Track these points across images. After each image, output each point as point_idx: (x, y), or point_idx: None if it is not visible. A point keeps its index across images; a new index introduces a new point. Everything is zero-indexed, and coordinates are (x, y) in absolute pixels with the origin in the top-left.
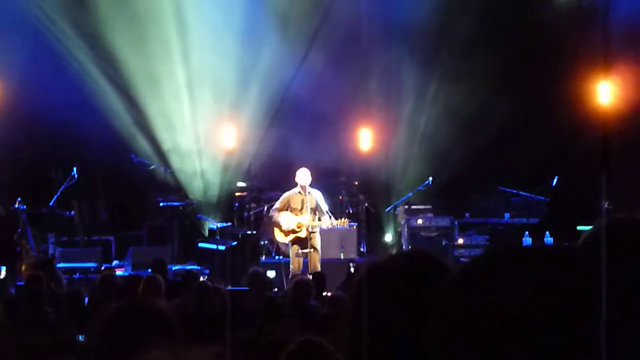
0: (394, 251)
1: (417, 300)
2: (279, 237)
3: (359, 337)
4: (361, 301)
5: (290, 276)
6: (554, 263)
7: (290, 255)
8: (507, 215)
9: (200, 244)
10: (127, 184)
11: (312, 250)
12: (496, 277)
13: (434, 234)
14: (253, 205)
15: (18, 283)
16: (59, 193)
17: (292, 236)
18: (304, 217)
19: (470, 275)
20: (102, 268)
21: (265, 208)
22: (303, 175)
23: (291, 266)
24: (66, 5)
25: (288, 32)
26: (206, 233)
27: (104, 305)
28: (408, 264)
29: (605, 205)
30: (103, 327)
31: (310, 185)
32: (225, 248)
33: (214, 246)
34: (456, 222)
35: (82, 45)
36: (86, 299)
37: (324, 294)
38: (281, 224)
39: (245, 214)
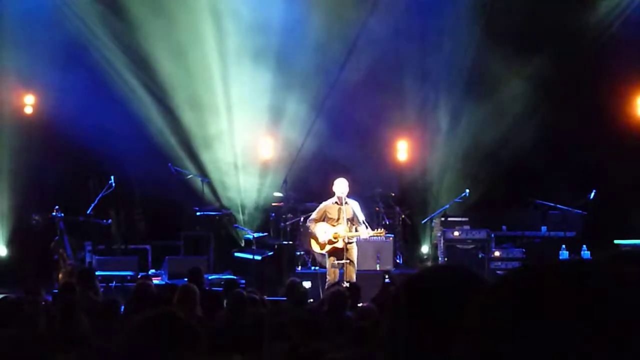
0: (430, 263)
1: (454, 316)
2: (316, 247)
3: (395, 351)
4: (397, 315)
5: (326, 287)
6: (595, 281)
7: (327, 266)
8: (544, 228)
9: (237, 254)
10: (165, 193)
11: (347, 261)
12: (531, 296)
13: (470, 246)
14: (289, 215)
15: (55, 291)
16: (96, 201)
17: (328, 247)
18: (340, 227)
19: (506, 291)
20: (139, 277)
21: (302, 219)
22: (340, 185)
23: (327, 277)
24: (106, 18)
25: (326, 44)
26: (242, 243)
27: (130, 316)
28: (446, 278)
29: None
30: (128, 338)
31: (347, 196)
32: (262, 258)
33: (250, 256)
34: (492, 235)
35: (121, 57)
36: (122, 308)
37: (359, 305)
38: (318, 234)
39: (282, 224)
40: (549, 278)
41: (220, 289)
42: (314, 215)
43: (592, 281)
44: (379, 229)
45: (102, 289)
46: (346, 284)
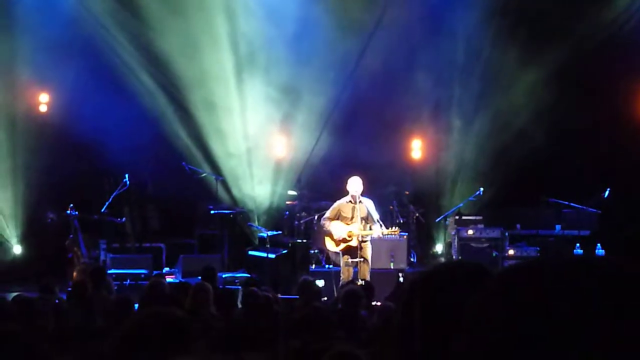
0: (441, 261)
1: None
2: (330, 246)
3: (407, 348)
4: (409, 311)
5: (340, 285)
6: (600, 277)
7: (341, 264)
8: (558, 227)
9: (251, 252)
10: (179, 192)
11: (362, 260)
12: (535, 290)
13: (484, 245)
14: (303, 214)
15: (69, 289)
16: (110, 200)
17: (343, 245)
18: (354, 226)
19: (508, 285)
20: (153, 275)
21: (316, 217)
22: (355, 184)
23: (341, 275)
24: (120, 17)
25: (339, 43)
26: (256, 241)
27: (127, 316)
28: (459, 274)
29: None
30: (122, 337)
31: (362, 195)
32: (276, 256)
33: (264, 254)
34: (507, 233)
35: (135, 55)
36: (136, 306)
37: (373, 304)
38: (332, 232)
39: (296, 222)
40: (553, 272)
41: (235, 287)
42: (327, 213)
43: (600, 277)
44: (394, 228)
45: (116, 287)
46: (360, 283)
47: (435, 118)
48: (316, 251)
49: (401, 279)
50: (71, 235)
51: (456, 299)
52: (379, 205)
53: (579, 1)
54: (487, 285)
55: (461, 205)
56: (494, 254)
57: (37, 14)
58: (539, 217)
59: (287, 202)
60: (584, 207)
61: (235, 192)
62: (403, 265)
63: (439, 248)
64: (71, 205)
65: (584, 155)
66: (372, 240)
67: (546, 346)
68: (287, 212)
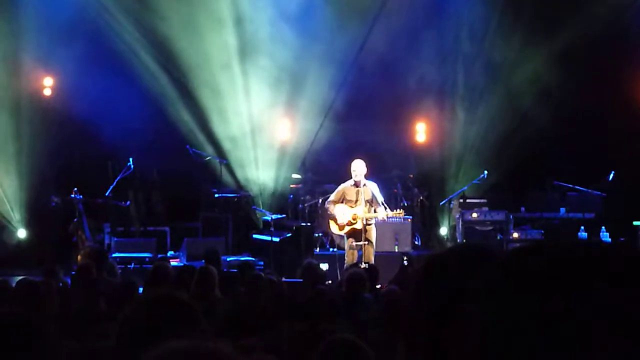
0: (449, 245)
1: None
2: (334, 229)
3: (417, 331)
4: (419, 294)
5: (344, 268)
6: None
7: (345, 247)
8: (562, 209)
9: (255, 236)
10: (183, 175)
11: (366, 243)
12: (537, 276)
13: (489, 228)
14: (308, 197)
15: (73, 273)
16: (115, 183)
17: (347, 228)
18: (358, 209)
19: (509, 270)
20: (157, 258)
21: (320, 200)
22: (358, 167)
23: (346, 258)
24: (124, 0)
25: (343, 26)
26: (261, 225)
27: (131, 299)
28: (466, 257)
29: None
30: (126, 320)
31: (366, 177)
32: (280, 240)
33: (268, 238)
34: (511, 216)
35: (139, 39)
36: (140, 289)
37: (377, 286)
38: (337, 216)
39: (300, 206)
40: (556, 256)
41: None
42: (332, 197)
43: (606, 264)
44: (398, 210)
45: (120, 271)
46: (364, 266)
47: (440, 101)
48: (320, 234)
49: (405, 262)
50: (75, 219)
51: (463, 280)
52: (383, 189)
53: None
54: (486, 269)
55: (465, 188)
56: (498, 237)
57: None
58: (544, 200)
59: (292, 186)
60: (589, 190)
61: (239, 175)
62: (407, 248)
63: (443, 231)
64: (75, 189)
65: (588, 138)
66: (377, 223)
67: (544, 332)
68: (292, 196)
